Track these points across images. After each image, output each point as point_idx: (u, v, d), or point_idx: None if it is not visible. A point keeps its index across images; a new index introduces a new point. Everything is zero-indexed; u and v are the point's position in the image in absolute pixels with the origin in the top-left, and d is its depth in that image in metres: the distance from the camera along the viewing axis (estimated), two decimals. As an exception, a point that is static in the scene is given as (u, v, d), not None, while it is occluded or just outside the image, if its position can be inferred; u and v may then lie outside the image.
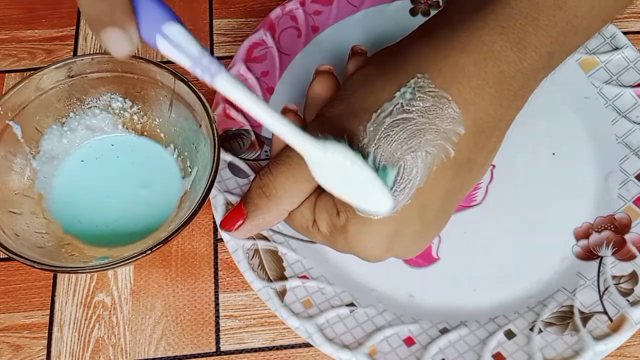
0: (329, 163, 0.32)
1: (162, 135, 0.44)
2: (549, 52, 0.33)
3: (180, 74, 0.41)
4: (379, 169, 0.33)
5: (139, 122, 0.44)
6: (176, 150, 0.43)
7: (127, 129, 0.44)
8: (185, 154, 0.43)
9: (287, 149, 0.37)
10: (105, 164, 0.43)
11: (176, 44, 0.29)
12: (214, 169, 0.38)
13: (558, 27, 0.33)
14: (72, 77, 0.42)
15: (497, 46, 0.33)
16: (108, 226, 0.41)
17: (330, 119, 0.36)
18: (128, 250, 0.39)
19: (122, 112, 0.44)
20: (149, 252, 0.36)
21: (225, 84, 0.30)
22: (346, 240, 0.35)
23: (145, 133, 0.44)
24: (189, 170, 0.42)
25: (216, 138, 0.38)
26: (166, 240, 0.36)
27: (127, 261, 0.35)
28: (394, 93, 0.34)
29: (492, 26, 0.33)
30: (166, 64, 0.41)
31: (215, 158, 0.38)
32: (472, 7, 0.34)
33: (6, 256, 0.37)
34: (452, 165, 0.33)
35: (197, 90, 0.40)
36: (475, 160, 0.35)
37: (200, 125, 0.40)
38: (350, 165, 0.32)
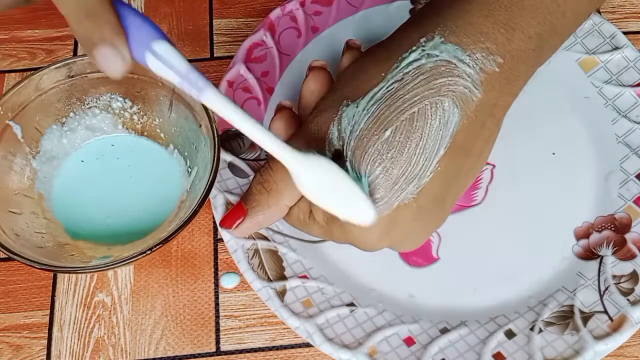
0: (313, 176, 0.33)
1: (162, 135, 0.44)
2: (537, 33, 0.34)
3: None
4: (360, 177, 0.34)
5: (139, 122, 0.44)
6: (176, 150, 0.43)
7: (127, 129, 0.44)
8: (185, 154, 0.43)
9: None
10: (105, 164, 0.43)
11: (165, 60, 0.30)
12: (214, 169, 0.38)
13: (544, 7, 0.34)
14: (72, 77, 0.42)
15: (485, 28, 0.33)
16: (108, 226, 0.41)
17: (325, 110, 0.36)
18: (128, 250, 0.39)
19: (122, 112, 0.44)
20: (149, 252, 0.36)
21: (212, 99, 0.31)
22: (342, 227, 0.35)
23: (145, 133, 0.44)
24: (189, 170, 0.42)
25: (216, 138, 0.38)
26: (166, 240, 0.36)
27: (127, 261, 0.35)
28: (384, 77, 0.35)
29: (478, 8, 0.34)
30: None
31: (215, 158, 0.38)
32: None
33: (6, 256, 0.37)
34: (446, 151, 0.34)
35: None
36: (471, 147, 0.35)
37: (200, 125, 0.40)
38: (333, 179, 0.33)
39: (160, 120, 0.44)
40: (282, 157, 0.33)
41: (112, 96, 0.43)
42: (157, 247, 0.36)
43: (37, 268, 0.36)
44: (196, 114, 0.41)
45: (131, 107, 0.44)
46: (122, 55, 0.29)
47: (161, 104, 0.43)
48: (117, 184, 0.43)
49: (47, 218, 0.41)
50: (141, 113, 0.44)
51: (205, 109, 0.39)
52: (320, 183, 0.33)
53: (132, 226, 0.41)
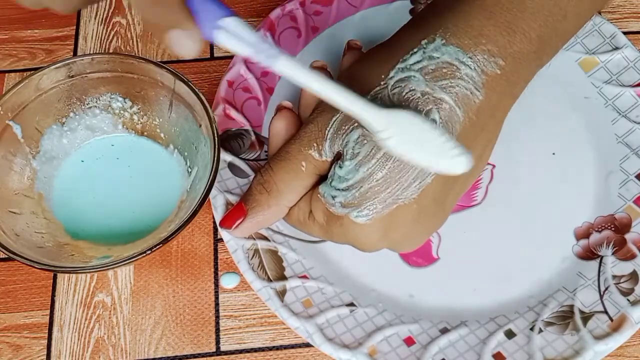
0: (398, 130, 0.32)
1: (162, 135, 0.44)
2: (538, 36, 0.34)
3: (180, 74, 0.41)
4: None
5: (139, 122, 0.44)
6: (176, 150, 0.43)
7: (127, 129, 0.44)
8: (185, 154, 0.43)
9: (286, 145, 0.37)
10: (105, 164, 0.43)
11: (235, 35, 0.31)
12: (214, 169, 0.38)
13: (545, 9, 0.34)
14: (72, 77, 0.42)
15: (486, 30, 0.33)
16: (108, 226, 0.41)
17: (326, 111, 0.36)
18: (128, 250, 0.39)
19: (122, 112, 0.44)
20: (149, 252, 0.36)
21: (286, 67, 0.31)
22: (342, 227, 0.35)
23: (145, 133, 0.44)
24: (189, 170, 0.42)
25: (216, 138, 0.38)
26: (166, 240, 0.36)
27: (127, 261, 0.35)
28: (384, 78, 0.35)
29: (479, 11, 0.34)
30: (166, 64, 0.41)
31: (215, 158, 0.38)
32: None
33: (6, 256, 0.37)
34: None
35: (197, 90, 0.40)
36: (471, 149, 0.35)
37: (200, 125, 0.40)
38: (418, 131, 0.32)
39: (160, 120, 0.44)
40: (365, 117, 0.32)
41: (112, 96, 0.43)
42: (157, 247, 0.36)
43: (37, 268, 0.35)
44: (196, 114, 0.41)
45: (131, 107, 0.44)
46: (194, 37, 0.30)
47: (161, 104, 0.43)
48: (117, 184, 0.43)
49: (47, 218, 0.41)
50: (141, 113, 0.44)
51: (206, 109, 0.39)
52: (405, 137, 0.32)
53: (132, 226, 0.41)
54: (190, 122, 0.41)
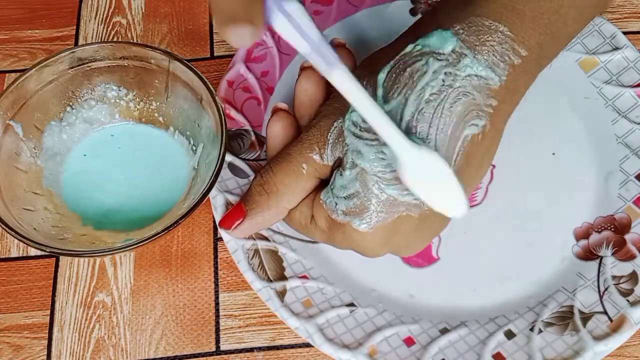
0: (419, 167, 0.32)
1: (160, 119, 0.44)
2: (538, 43, 0.34)
3: (174, 53, 0.41)
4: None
5: (136, 109, 0.44)
6: (177, 132, 0.43)
7: (125, 117, 0.44)
8: (187, 133, 0.43)
9: (287, 147, 0.37)
10: (108, 154, 0.43)
11: (295, 24, 0.28)
12: (224, 137, 0.38)
13: (545, 17, 0.33)
14: (65, 70, 0.41)
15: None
16: (124, 214, 0.41)
17: (327, 116, 0.36)
18: (146, 232, 0.39)
19: (117, 100, 0.44)
20: (175, 224, 0.36)
21: (341, 78, 0.30)
22: (344, 234, 0.35)
23: (144, 119, 0.44)
24: (193, 148, 0.42)
25: (220, 107, 0.39)
26: (187, 214, 0.36)
27: (153, 238, 0.36)
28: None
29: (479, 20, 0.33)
30: (159, 47, 0.41)
31: (223, 125, 0.38)
32: (458, 5, 0.35)
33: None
34: None
35: (192, 66, 0.40)
36: (471, 156, 0.35)
37: (202, 100, 0.40)
38: (439, 172, 0.32)
39: (158, 104, 0.44)
40: (397, 145, 0.32)
41: (107, 86, 0.43)
42: (183, 219, 0.36)
43: (66, 255, 0.35)
44: (195, 90, 0.41)
45: (126, 95, 0.44)
46: (256, 31, 0.27)
47: (157, 87, 0.43)
48: (124, 172, 0.43)
49: (61, 213, 0.41)
50: (137, 100, 0.44)
51: (205, 83, 0.40)
52: (424, 175, 0.32)
53: (146, 210, 0.41)
54: (189, 100, 0.42)
